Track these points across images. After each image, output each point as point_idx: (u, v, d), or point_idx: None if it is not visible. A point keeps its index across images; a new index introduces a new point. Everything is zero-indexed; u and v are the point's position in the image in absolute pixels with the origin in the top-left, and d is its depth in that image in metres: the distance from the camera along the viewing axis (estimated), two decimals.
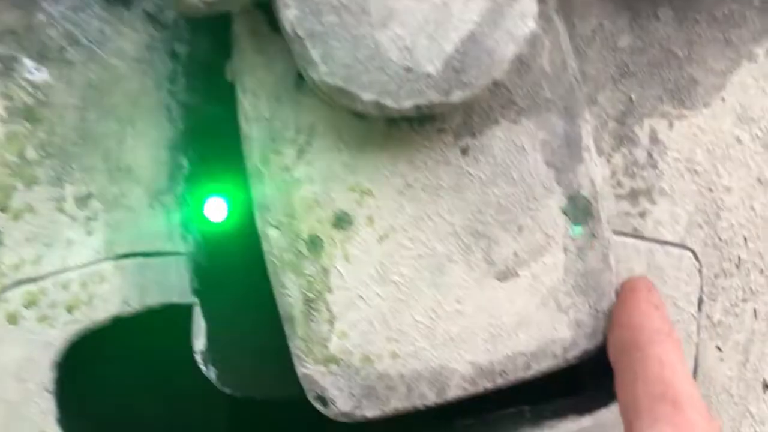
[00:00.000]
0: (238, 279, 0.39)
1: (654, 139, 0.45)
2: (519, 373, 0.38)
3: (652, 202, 0.45)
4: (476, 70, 0.31)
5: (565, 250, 0.38)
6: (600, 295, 0.39)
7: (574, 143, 0.37)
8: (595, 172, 0.38)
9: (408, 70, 0.31)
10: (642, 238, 0.46)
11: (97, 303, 0.38)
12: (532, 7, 0.32)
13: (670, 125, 0.45)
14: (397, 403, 0.37)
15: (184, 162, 0.39)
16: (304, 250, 0.35)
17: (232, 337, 0.40)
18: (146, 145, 0.38)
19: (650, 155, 0.45)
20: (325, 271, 0.35)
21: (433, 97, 0.31)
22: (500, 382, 0.38)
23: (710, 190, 0.46)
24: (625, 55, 0.43)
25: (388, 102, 0.31)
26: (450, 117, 0.35)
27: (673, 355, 0.36)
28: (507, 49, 0.32)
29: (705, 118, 0.45)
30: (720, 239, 0.47)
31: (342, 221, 0.35)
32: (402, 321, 0.36)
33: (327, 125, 0.34)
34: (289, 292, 0.35)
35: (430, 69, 0.31)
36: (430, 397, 0.37)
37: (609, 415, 0.47)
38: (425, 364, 0.37)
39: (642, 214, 0.45)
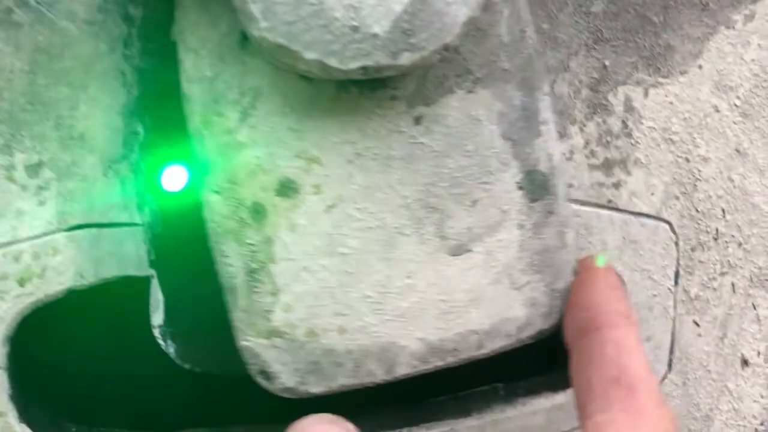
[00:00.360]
0: (196, 250, 0.37)
1: (629, 107, 0.43)
2: (471, 351, 0.37)
3: (627, 172, 0.44)
4: (426, 33, 0.30)
5: (521, 226, 0.36)
6: (556, 274, 0.37)
7: (531, 116, 0.36)
8: (554, 147, 0.36)
9: (354, 29, 0.29)
10: (616, 209, 0.45)
11: (49, 275, 0.37)
12: None
13: (646, 93, 0.44)
14: (343, 380, 0.35)
15: (140, 129, 0.37)
16: (247, 218, 0.33)
17: (191, 311, 0.38)
18: (100, 111, 0.37)
19: (625, 124, 0.44)
20: (269, 241, 0.34)
21: (381, 58, 0.30)
22: (451, 360, 0.37)
23: (687, 160, 0.45)
24: (598, 20, 0.42)
25: (333, 62, 0.30)
26: (403, 84, 0.34)
27: (631, 339, 0.34)
28: (459, 12, 0.30)
29: (681, 86, 0.44)
30: (697, 211, 0.46)
31: (287, 189, 0.33)
32: (350, 295, 0.34)
33: (273, 88, 0.33)
34: (231, 262, 0.34)
35: (377, 29, 0.29)
36: (378, 374, 0.36)
37: None
38: (374, 340, 0.35)
39: (616, 185, 0.44)
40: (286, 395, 0.35)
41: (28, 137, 0.36)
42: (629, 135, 0.44)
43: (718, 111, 0.45)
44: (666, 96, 0.44)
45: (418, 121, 0.34)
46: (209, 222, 0.34)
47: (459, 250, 0.35)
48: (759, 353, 0.49)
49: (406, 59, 0.30)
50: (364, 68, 0.30)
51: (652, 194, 0.45)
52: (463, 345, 0.37)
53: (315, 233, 0.34)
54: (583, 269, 0.38)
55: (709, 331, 0.48)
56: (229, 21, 0.32)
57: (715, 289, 0.47)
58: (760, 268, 0.48)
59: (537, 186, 0.36)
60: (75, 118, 0.37)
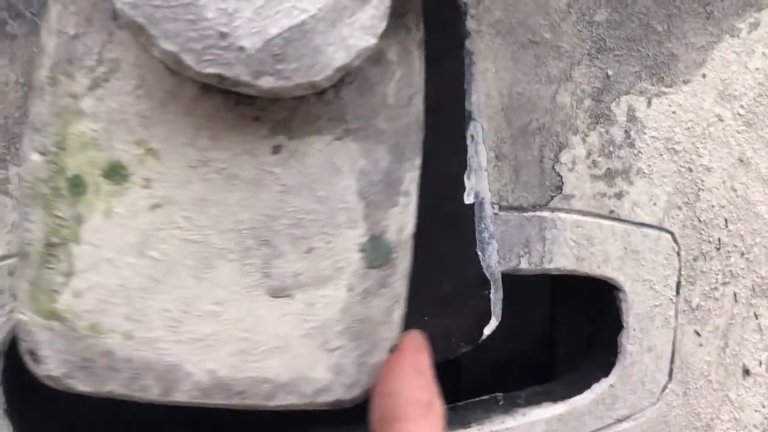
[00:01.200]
0: None
1: (632, 117, 0.43)
2: (258, 399, 0.35)
3: (630, 182, 0.44)
4: (295, 64, 0.28)
5: (351, 288, 0.34)
6: (371, 348, 0.35)
7: (393, 183, 0.34)
8: (409, 222, 0.35)
9: (222, 35, 0.28)
10: (618, 219, 0.44)
11: None
12: (378, 24, 0.29)
13: (649, 103, 0.43)
14: (114, 387, 0.33)
15: None
16: (64, 189, 0.31)
17: None
18: None
19: (627, 134, 0.43)
20: (79, 219, 0.31)
21: (240, 73, 0.28)
22: (236, 402, 0.35)
23: (690, 170, 0.44)
24: (601, 29, 0.42)
25: (188, 60, 0.28)
26: (271, 108, 0.32)
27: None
28: (336, 55, 0.29)
29: (685, 95, 0.43)
30: (699, 221, 0.45)
31: (116, 173, 0.31)
32: (148, 303, 0.32)
33: (133, 67, 0.31)
34: (33, 228, 0.31)
35: (246, 44, 0.28)
36: (153, 393, 0.33)
37: (584, 402, 0.46)
38: (159, 356, 0.33)
39: (618, 195, 0.44)
40: (49, 383, 0.33)
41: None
42: (632, 145, 0.43)
43: (721, 120, 0.44)
44: (669, 105, 0.43)
45: (276, 150, 0.32)
46: (22, 180, 0.32)
47: (279, 293, 0.33)
48: (761, 363, 0.49)
49: (266, 83, 0.29)
50: (221, 77, 0.28)
51: (655, 204, 0.44)
52: (253, 391, 0.34)
53: (131, 227, 0.32)
54: (395, 351, 0.36)
55: (711, 340, 0.47)
56: None
57: (717, 299, 0.47)
58: (762, 277, 0.47)
59: (379, 254, 0.34)
60: None
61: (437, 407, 0.34)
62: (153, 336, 0.32)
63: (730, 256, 0.46)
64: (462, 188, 0.41)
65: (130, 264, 0.32)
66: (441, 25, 0.39)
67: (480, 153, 0.41)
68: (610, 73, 0.42)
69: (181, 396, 0.34)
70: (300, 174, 0.33)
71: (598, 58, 0.42)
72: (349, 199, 0.33)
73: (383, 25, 0.30)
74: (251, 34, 0.28)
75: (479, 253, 0.42)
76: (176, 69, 0.29)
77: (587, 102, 0.42)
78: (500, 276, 0.43)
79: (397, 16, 0.31)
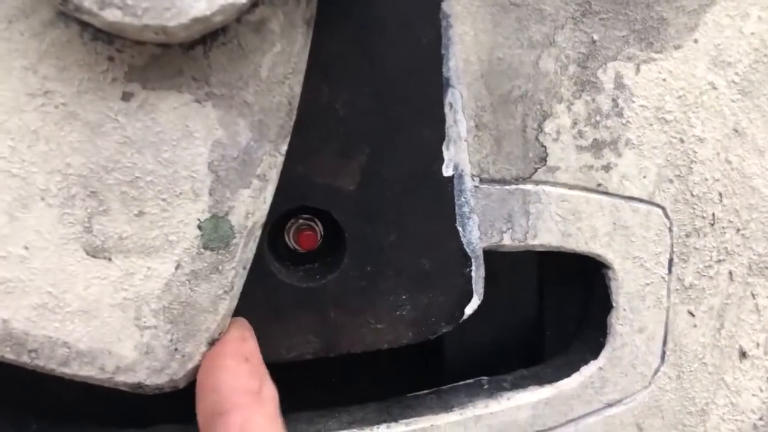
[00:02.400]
0: None
1: (619, 84, 0.41)
2: (52, 363, 0.32)
3: (618, 154, 0.42)
4: (147, 3, 0.27)
5: (179, 266, 0.32)
6: (189, 336, 0.33)
7: (250, 164, 0.32)
8: (258, 209, 0.33)
9: None
10: (606, 193, 0.42)
11: None
12: None
13: (637, 69, 0.41)
14: None
15: None
16: None
17: None
18: None
19: (615, 103, 0.41)
20: None
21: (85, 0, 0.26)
22: (25, 360, 0.32)
23: (681, 141, 0.42)
24: None
25: None
26: (130, 52, 0.30)
27: (256, 421, 0.31)
28: (196, 4, 0.27)
29: (675, 61, 0.41)
30: (692, 195, 0.43)
31: None
32: None
33: None
34: None
35: None
36: None
37: (572, 385, 0.44)
38: None
39: (606, 168, 0.42)
40: None
41: None
42: (620, 114, 0.41)
43: (715, 88, 0.42)
44: (659, 72, 0.41)
45: (126, 97, 0.30)
46: None
47: (98, 253, 0.31)
48: (758, 345, 0.46)
49: (111, 16, 0.27)
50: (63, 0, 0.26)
51: (644, 177, 0.42)
52: (47, 352, 0.32)
53: None
54: (217, 342, 0.34)
55: (705, 321, 0.45)
56: None
57: (711, 277, 0.45)
58: (759, 255, 0.45)
59: (218, 235, 0.32)
60: None
61: (268, 392, 0.32)
62: None
63: (725, 233, 0.44)
64: (440, 160, 0.39)
65: None
66: None
67: (459, 122, 0.39)
68: (595, 37, 0.40)
69: None
70: (147, 129, 0.30)
71: (583, 21, 0.40)
72: (197, 168, 0.31)
73: None
74: None
75: (459, 228, 0.40)
76: None
77: (572, 68, 0.40)
78: (482, 253, 0.41)
79: None
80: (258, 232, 0.34)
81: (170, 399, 0.42)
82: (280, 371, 0.39)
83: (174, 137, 0.31)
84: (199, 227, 0.32)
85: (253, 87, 0.31)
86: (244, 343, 0.34)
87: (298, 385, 0.40)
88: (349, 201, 0.38)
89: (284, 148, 0.33)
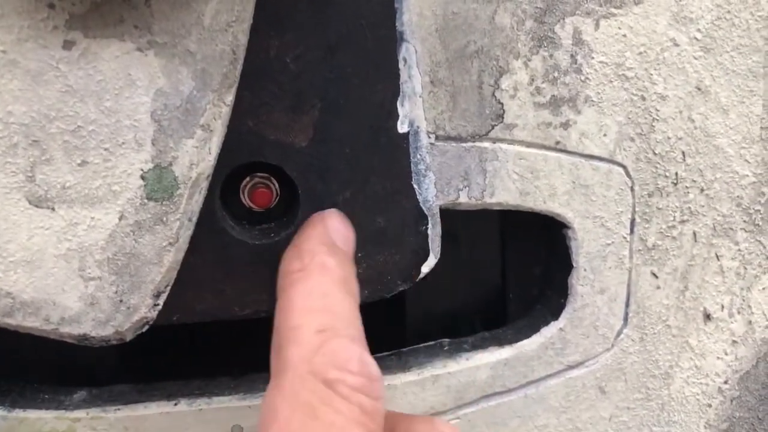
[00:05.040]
0: None
1: (578, 40, 0.40)
2: None
3: (577, 111, 0.41)
4: None
5: (123, 217, 0.32)
6: (134, 288, 0.33)
7: (193, 113, 0.32)
8: (204, 160, 0.32)
9: None
10: (565, 151, 0.42)
11: None
12: None
13: (597, 25, 0.40)
14: None
15: None
16: None
17: None
18: None
19: (574, 59, 0.40)
20: None
21: None
22: None
23: (643, 98, 0.42)
24: None
25: None
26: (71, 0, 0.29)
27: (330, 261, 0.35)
28: None
29: (636, 17, 0.41)
30: (654, 153, 0.43)
31: None
32: None
33: None
34: None
35: None
36: None
37: (532, 346, 0.44)
38: None
39: (565, 125, 0.41)
40: None
41: None
42: (579, 71, 0.40)
43: (676, 45, 0.41)
44: (619, 28, 0.40)
45: (67, 45, 0.30)
46: None
47: (41, 203, 0.31)
48: (723, 307, 0.46)
49: None
50: None
51: (605, 135, 0.42)
52: None
53: None
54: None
55: (669, 283, 0.45)
56: None
57: (674, 238, 0.44)
58: (723, 215, 0.44)
59: (162, 186, 0.32)
60: None
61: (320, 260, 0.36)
62: None
63: (688, 192, 0.44)
64: (395, 116, 0.38)
65: None
66: None
67: (414, 78, 0.38)
68: None
69: None
70: (89, 78, 0.30)
71: None
72: (139, 117, 0.31)
73: None
74: None
75: (415, 186, 0.39)
76: None
77: (529, 23, 0.39)
78: (438, 211, 0.40)
79: None
80: (204, 184, 0.33)
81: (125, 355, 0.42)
82: (233, 330, 0.38)
83: (116, 86, 0.30)
84: (143, 177, 0.32)
85: (196, 35, 0.31)
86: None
87: (253, 345, 0.40)
88: (302, 157, 0.38)
89: (230, 98, 0.33)
